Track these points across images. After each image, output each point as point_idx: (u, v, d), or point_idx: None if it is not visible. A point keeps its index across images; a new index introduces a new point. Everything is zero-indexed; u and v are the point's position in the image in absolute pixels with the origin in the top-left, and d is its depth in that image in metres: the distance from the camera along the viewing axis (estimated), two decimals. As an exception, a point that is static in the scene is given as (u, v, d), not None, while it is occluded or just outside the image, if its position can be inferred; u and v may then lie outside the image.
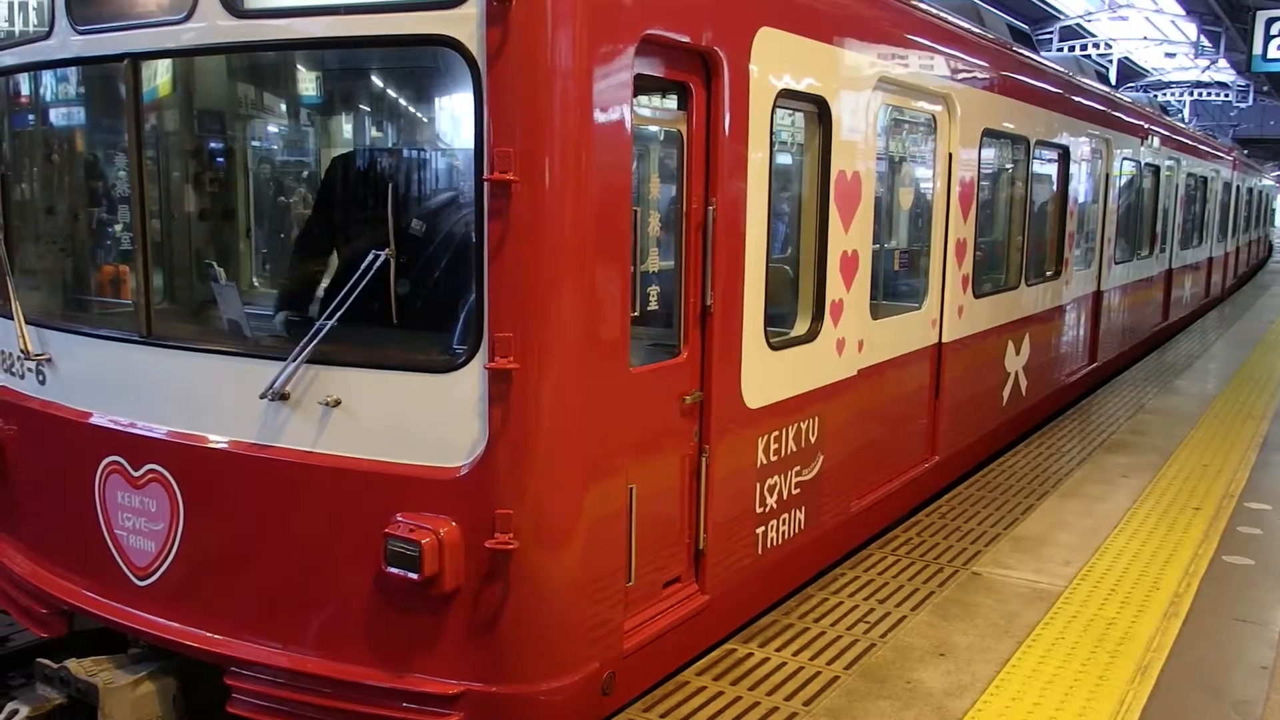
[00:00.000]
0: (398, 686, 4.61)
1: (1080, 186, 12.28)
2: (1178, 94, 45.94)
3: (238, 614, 4.98)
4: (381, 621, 4.67)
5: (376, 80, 7.02)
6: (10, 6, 5.78)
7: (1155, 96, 32.98)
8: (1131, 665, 5.71)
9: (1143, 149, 15.32)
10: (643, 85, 4.86)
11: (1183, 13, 34.67)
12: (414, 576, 4.40)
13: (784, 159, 6.66)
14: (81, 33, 5.28)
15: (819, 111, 6.37)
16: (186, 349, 5.23)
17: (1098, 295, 13.48)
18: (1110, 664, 5.71)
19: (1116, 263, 14.26)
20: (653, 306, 5.29)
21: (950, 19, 8.51)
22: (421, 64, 6.03)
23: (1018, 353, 10.42)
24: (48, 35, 5.43)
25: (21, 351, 5.74)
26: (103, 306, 6.35)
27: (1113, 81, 24.97)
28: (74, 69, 5.89)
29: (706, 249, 5.31)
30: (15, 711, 5.22)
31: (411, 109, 7.23)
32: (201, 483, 5.05)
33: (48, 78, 6.16)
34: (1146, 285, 16.63)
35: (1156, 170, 16.60)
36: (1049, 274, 11.45)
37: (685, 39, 5.06)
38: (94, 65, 5.56)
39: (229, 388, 4.96)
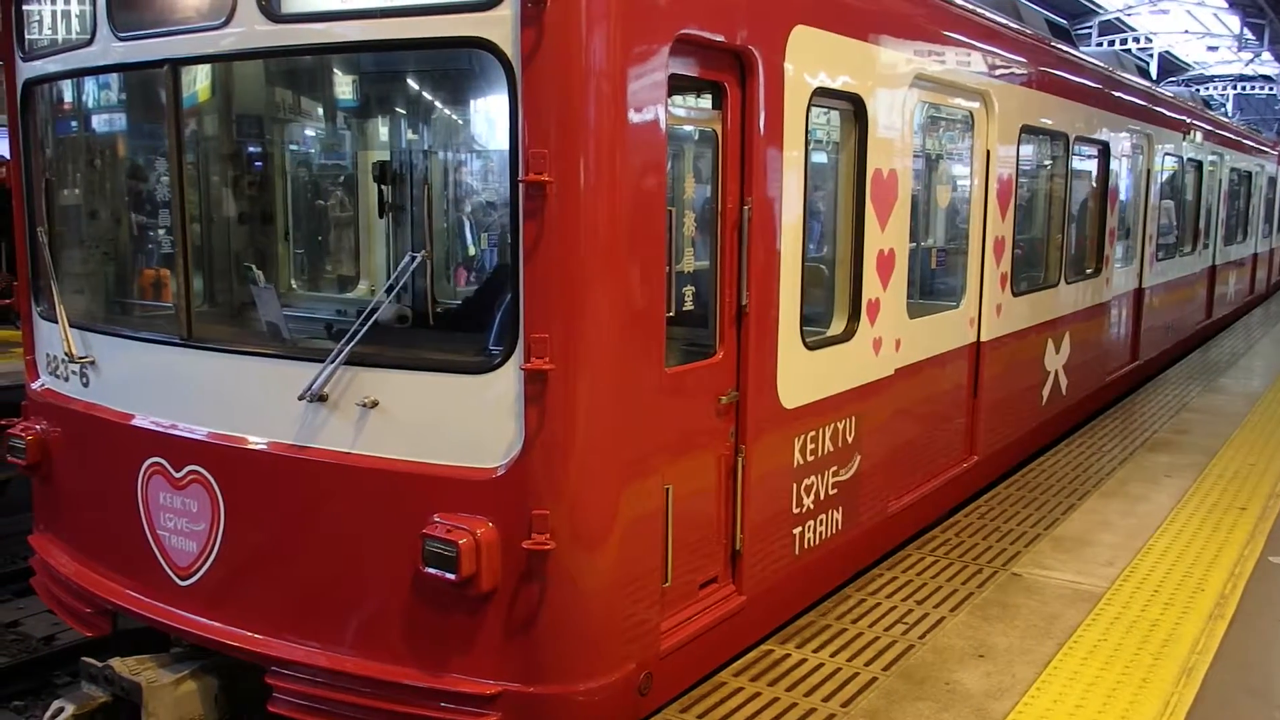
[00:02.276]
0: (436, 686, 4.63)
1: (1121, 183, 12.14)
2: (1221, 88, 45.33)
3: (278, 614, 5.03)
4: (419, 622, 4.69)
5: (412, 83, 7.07)
6: (54, 14, 5.87)
7: (1197, 91, 32.53)
8: (1176, 668, 5.63)
9: (1185, 144, 15.11)
10: (677, 85, 4.85)
11: (1225, 5, 34.22)
12: (451, 577, 4.42)
13: (819, 157, 6.63)
14: (123, 39, 5.34)
15: (855, 110, 6.34)
16: (226, 351, 5.29)
17: (1139, 292, 13.31)
18: (1154, 666, 5.64)
19: (1158, 259, 14.08)
20: (688, 307, 5.28)
21: (988, 15, 8.43)
22: (457, 66, 6.06)
23: (1058, 351, 10.31)
24: (90, 42, 5.51)
25: (66, 354, 5.82)
26: (144, 310, 6.44)
27: (1154, 76, 24.63)
28: (115, 75, 5.97)
29: (742, 249, 5.29)
30: (61, 709, 5.30)
31: (447, 111, 7.28)
32: (241, 483, 5.10)
33: (90, 84, 6.25)
34: (1189, 282, 16.41)
35: (1199, 165, 16.37)
36: (1089, 271, 11.32)
37: (720, 38, 5.05)
38: (135, 71, 5.63)
39: (268, 389, 5.01)
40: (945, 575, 6.92)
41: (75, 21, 5.70)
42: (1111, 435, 10.78)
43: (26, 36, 6.04)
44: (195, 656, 5.31)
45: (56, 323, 5.87)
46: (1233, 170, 19.31)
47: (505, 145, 4.41)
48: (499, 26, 4.29)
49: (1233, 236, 20.00)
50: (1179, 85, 36.00)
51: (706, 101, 5.37)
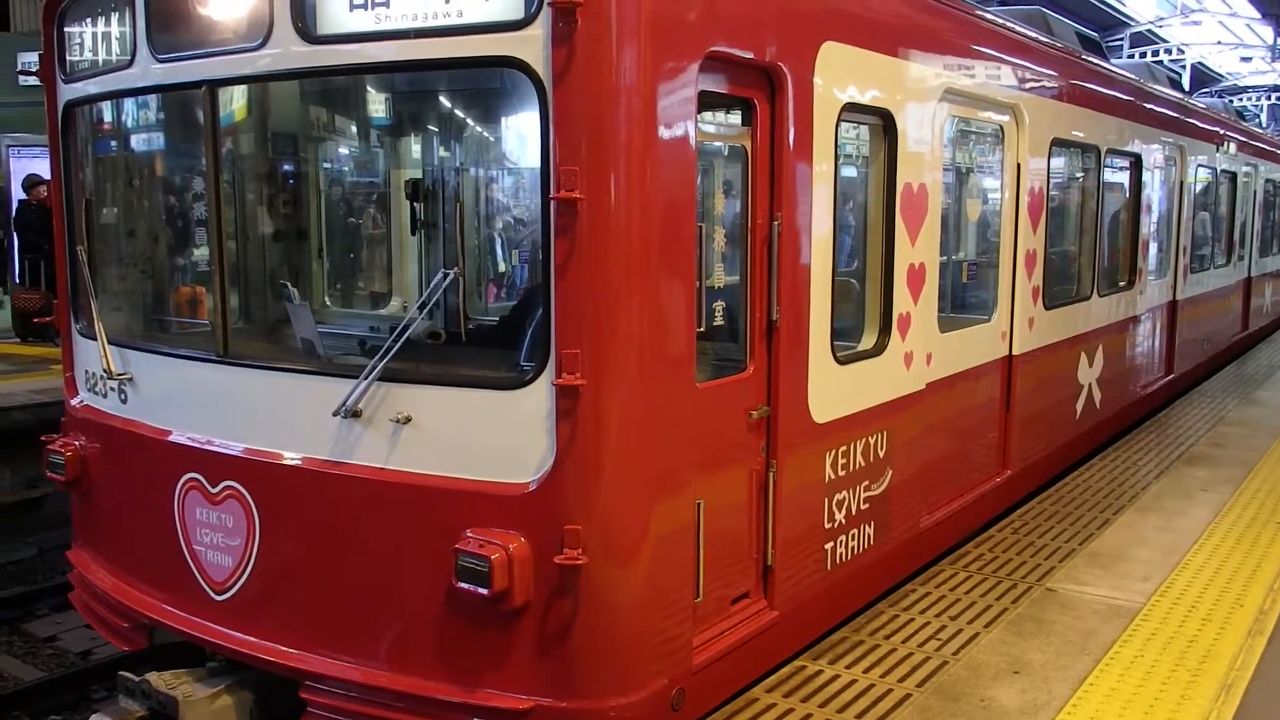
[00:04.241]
0: (468, 701, 4.65)
1: (1153, 195, 12.05)
2: (1254, 99, 44.90)
3: (312, 628, 5.06)
4: (452, 636, 4.71)
5: (445, 102, 7.13)
6: (94, 37, 5.97)
7: (1231, 102, 32.23)
8: (1214, 684, 5.56)
9: (1218, 155, 14.99)
10: (707, 101, 4.87)
11: (1259, 16, 33.94)
12: (484, 592, 4.44)
13: (849, 172, 6.64)
14: (162, 61, 5.43)
15: (884, 124, 6.34)
16: (262, 368, 5.34)
17: (1173, 305, 13.20)
18: (1192, 683, 5.57)
19: (1192, 272, 13.96)
20: (719, 322, 5.29)
21: (1017, 28, 8.41)
22: (489, 85, 6.11)
23: (1091, 364, 10.23)
24: (129, 64, 5.60)
25: (105, 371, 5.90)
26: (181, 327, 6.52)
27: (1186, 87, 24.45)
28: (154, 96, 6.07)
29: (772, 263, 5.30)
30: (99, 723, 5.37)
31: (479, 129, 7.34)
32: (277, 499, 5.15)
33: (129, 105, 6.35)
34: (1224, 294, 16.24)
35: (1233, 177, 16.22)
36: (1122, 284, 11.24)
37: (749, 55, 5.07)
38: (173, 92, 5.72)
39: (303, 405, 5.05)
40: (979, 591, 6.88)
41: (115, 44, 5.79)
42: (1146, 449, 10.68)
43: (68, 59, 6.15)
44: (231, 671, 5.36)
45: (95, 340, 5.96)
46: (1268, 181, 19.12)
47: (537, 162, 4.45)
48: (531, 46, 4.33)
49: (1268, 248, 19.79)
50: (1212, 96, 35.71)
51: (736, 118, 5.39)
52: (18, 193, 16.84)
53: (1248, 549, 7.64)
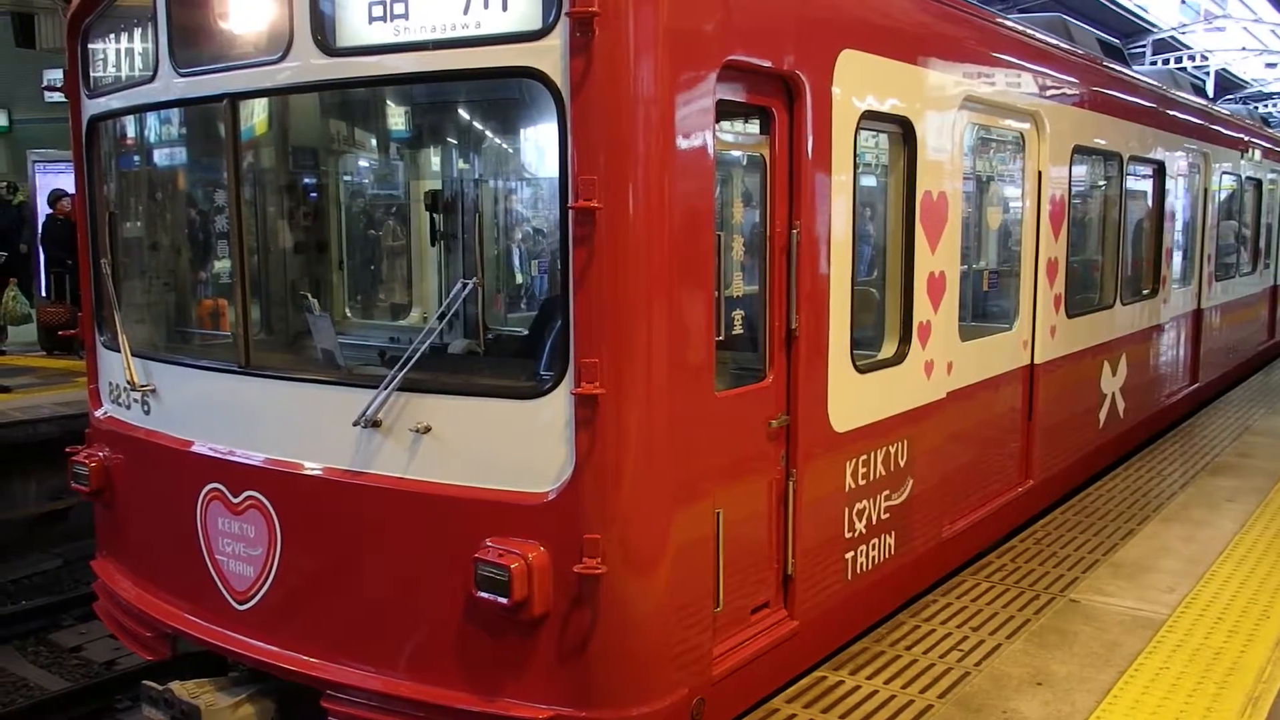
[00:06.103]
0: (488, 710, 4.64)
1: (1177, 202, 11.98)
2: None
3: (333, 637, 5.08)
4: (472, 645, 4.72)
5: (463, 113, 7.17)
6: (117, 52, 6.04)
7: (1256, 108, 32.01)
8: (1241, 697, 5.49)
9: (1243, 162, 14.88)
10: (725, 110, 4.88)
11: (1283, 21, 33.68)
12: (503, 601, 4.44)
13: (868, 180, 6.63)
14: (183, 75, 5.48)
15: (903, 132, 6.33)
16: (283, 378, 5.37)
17: (1198, 314, 13.10)
18: (1218, 695, 5.51)
19: (1217, 279, 13.85)
20: (738, 330, 5.28)
21: (1038, 35, 8.39)
22: (507, 96, 6.14)
23: (1114, 373, 10.16)
24: (152, 79, 5.66)
25: (128, 383, 5.95)
26: (203, 338, 6.57)
27: (1210, 94, 24.30)
28: (175, 110, 6.12)
29: (791, 272, 5.30)
30: (122, 732, 5.39)
31: (497, 140, 7.37)
32: (298, 509, 5.17)
33: (151, 119, 6.42)
34: (1249, 303, 16.11)
35: (1259, 184, 16.11)
36: (1145, 292, 11.16)
37: (767, 64, 5.07)
38: (194, 106, 5.77)
39: (323, 416, 5.08)
40: (1001, 601, 6.83)
41: (138, 59, 5.85)
42: (1171, 459, 10.59)
43: (91, 74, 6.22)
44: (253, 680, 5.38)
45: (119, 352, 6.00)
46: None
47: (555, 172, 4.46)
48: (548, 56, 4.34)
49: (1295, 255, 19.62)
50: (1236, 103, 35.46)
51: (754, 126, 5.39)
52: (43, 208, 17.01)
53: (1275, 560, 7.55)
